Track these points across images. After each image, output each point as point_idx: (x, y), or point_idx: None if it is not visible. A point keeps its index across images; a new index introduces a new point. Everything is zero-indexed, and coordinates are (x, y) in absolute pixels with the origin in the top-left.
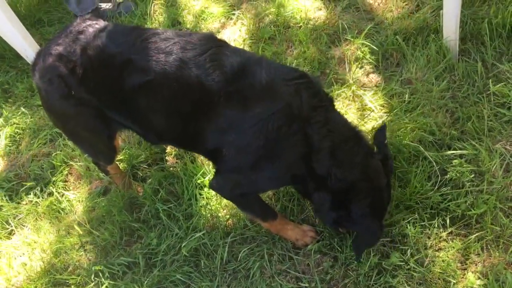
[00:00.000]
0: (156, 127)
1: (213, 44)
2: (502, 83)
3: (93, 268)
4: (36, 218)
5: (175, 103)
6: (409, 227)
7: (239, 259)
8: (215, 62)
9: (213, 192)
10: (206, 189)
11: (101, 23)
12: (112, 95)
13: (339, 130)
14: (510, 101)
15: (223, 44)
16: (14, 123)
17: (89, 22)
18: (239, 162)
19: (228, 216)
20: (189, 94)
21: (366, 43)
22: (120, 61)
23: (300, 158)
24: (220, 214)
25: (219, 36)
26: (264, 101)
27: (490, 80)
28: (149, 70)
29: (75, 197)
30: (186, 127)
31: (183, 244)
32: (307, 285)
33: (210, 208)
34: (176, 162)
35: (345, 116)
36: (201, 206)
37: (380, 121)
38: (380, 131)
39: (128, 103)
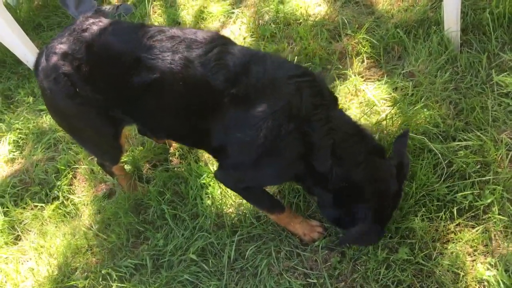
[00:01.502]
0: (162, 125)
1: (218, 43)
2: (505, 73)
3: (101, 271)
4: (42, 223)
5: (181, 102)
6: (416, 220)
7: (246, 257)
8: (220, 61)
9: (218, 192)
10: (211, 189)
11: (104, 21)
12: (118, 93)
13: (342, 129)
14: None
15: (228, 42)
16: (17, 129)
17: (92, 20)
18: (240, 160)
19: (234, 215)
20: (195, 93)
21: (367, 37)
22: (127, 59)
23: (299, 156)
24: (226, 213)
25: None
26: (265, 100)
27: (493, 70)
28: (155, 68)
29: (80, 200)
30: (192, 126)
31: (189, 247)
32: (315, 281)
33: (215, 207)
34: (180, 162)
35: (349, 112)
36: (206, 206)
37: (383, 115)
38: (401, 137)
39: (134, 101)
